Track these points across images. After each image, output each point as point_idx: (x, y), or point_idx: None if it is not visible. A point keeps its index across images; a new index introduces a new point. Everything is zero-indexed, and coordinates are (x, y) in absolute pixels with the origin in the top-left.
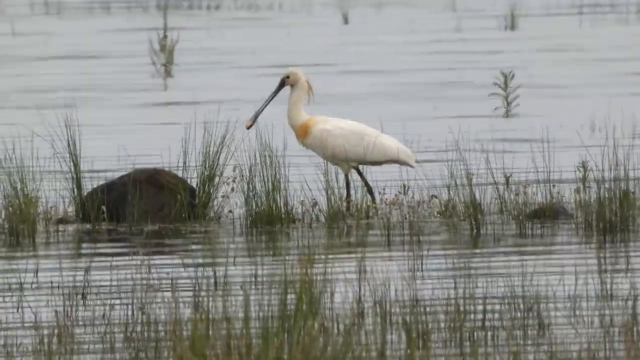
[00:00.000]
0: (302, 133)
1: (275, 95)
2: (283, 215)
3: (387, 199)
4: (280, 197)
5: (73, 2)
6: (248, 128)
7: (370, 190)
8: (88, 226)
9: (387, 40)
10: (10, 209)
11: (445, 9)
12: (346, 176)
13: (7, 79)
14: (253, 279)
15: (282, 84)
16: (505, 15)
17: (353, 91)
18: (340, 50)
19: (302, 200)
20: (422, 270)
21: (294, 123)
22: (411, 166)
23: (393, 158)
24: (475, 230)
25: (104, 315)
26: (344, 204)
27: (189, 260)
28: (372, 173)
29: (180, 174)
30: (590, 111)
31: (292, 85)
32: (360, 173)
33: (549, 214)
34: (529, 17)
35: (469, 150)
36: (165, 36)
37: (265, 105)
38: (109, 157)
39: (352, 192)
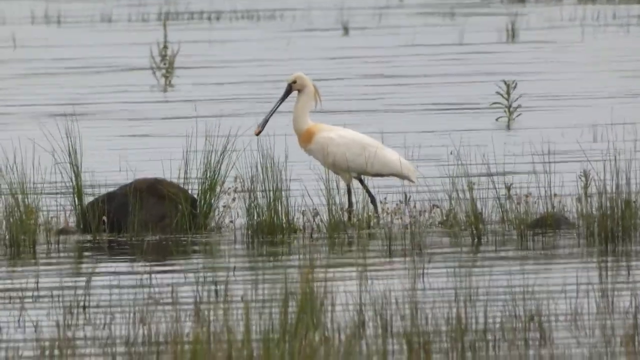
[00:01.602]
0: (306, 139)
1: (282, 101)
2: (284, 226)
3: (388, 209)
4: (281, 207)
5: (73, 13)
6: (257, 134)
7: (373, 200)
8: (89, 237)
9: (388, 52)
10: (11, 219)
11: (445, 20)
12: (348, 186)
13: (8, 90)
14: (254, 290)
15: (289, 90)
16: (506, 27)
17: (353, 101)
18: (340, 61)
19: (304, 211)
20: (423, 281)
21: (299, 128)
22: (412, 181)
23: (395, 171)
24: (476, 240)
25: (104, 326)
26: (345, 214)
27: (189, 271)
28: (374, 182)
29: (181, 184)
30: (592, 121)
31: (299, 91)
32: (362, 182)
33: (550, 224)
34: (529, 30)
35: (470, 160)
36: (165, 47)
37: (273, 111)
38: (110, 168)
39: (354, 202)
